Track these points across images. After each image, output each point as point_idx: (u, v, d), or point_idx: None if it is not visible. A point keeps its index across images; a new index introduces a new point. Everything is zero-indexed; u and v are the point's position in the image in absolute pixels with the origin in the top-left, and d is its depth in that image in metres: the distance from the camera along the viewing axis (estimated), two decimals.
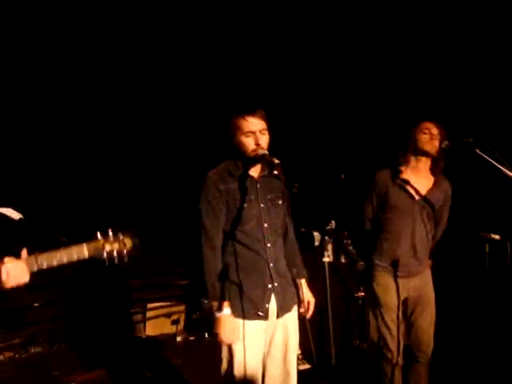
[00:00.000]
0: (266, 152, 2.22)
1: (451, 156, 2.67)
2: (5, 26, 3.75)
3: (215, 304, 2.22)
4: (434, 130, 2.72)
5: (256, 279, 2.27)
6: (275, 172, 2.08)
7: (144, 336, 4.61)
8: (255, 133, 2.22)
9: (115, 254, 1.78)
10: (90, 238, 1.79)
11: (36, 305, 4.26)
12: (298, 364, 3.69)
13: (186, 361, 4.03)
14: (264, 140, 2.24)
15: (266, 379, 2.38)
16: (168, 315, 4.71)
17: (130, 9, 4.03)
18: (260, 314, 2.26)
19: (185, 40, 4.35)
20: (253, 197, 2.28)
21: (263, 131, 2.24)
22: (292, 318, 2.38)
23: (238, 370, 2.26)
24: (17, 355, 4.11)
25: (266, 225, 2.28)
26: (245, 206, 2.25)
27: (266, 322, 2.29)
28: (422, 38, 4.22)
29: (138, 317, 4.71)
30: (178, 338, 4.56)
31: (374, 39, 4.41)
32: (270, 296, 2.28)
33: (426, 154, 2.75)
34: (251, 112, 2.23)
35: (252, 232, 2.26)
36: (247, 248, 2.27)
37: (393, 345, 2.80)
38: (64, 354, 4.09)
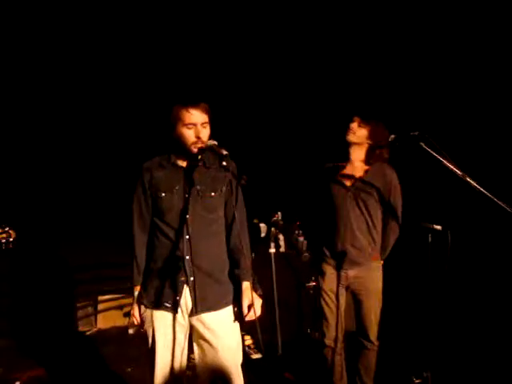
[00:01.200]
0: (215, 142, 2.21)
1: (397, 148, 2.75)
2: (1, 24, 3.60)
3: (134, 288, 2.34)
4: (353, 123, 2.92)
5: (169, 270, 2.25)
6: (224, 163, 2.07)
7: (95, 329, 4.53)
8: (196, 125, 2.20)
9: (3, 241, 2.15)
10: None
11: None
12: (250, 353, 3.73)
13: (139, 352, 3.99)
14: (205, 133, 2.22)
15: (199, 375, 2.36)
16: (120, 307, 4.64)
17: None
18: (167, 304, 2.26)
19: (128, 32, 4.27)
20: (178, 186, 2.26)
21: (205, 124, 2.23)
22: (219, 318, 2.29)
23: (150, 359, 2.30)
24: None
25: (187, 216, 2.24)
26: (163, 195, 2.25)
27: (180, 315, 2.27)
28: (363, 31, 4.30)
29: (89, 310, 4.63)
30: (130, 331, 4.50)
31: (321, 37, 4.46)
32: (181, 289, 2.25)
33: (348, 143, 2.92)
34: (195, 104, 2.21)
35: (172, 222, 2.25)
36: (165, 237, 2.26)
37: (330, 332, 2.94)
38: (8, 351, 3.96)
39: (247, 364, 2.48)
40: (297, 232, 3.70)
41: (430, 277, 2.64)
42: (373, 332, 2.94)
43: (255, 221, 2.34)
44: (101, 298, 4.64)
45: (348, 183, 2.91)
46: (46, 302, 4.44)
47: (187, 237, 2.24)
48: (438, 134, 2.48)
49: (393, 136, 2.73)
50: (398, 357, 3.54)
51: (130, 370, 3.68)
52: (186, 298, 2.25)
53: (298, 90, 5.11)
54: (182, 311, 2.27)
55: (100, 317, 4.59)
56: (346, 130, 2.94)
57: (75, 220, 4.72)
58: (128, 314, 4.63)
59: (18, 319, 4.30)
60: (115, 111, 4.95)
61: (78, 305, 4.59)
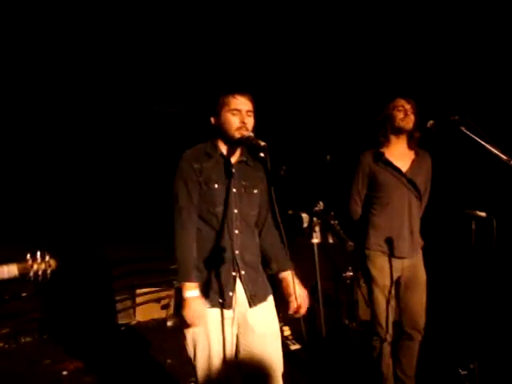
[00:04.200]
0: (252, 134, 2.19)
1: (436, 134, 2.68)
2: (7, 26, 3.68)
3: (186, 285, 2.12)
4: (407, 105, 2.77)
5: (220, 265, 2.19)
6: (261, 154, 2.04)
7: (135, 322, 4.61)
8: (241, 111, 2.20)
9: (40, 273, 2.03)
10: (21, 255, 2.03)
11: (24, 294, 4.24)
12: (289, 344, 3.73)
13: (178, 345, 4.03)
14: (249, 121, 2.22)
15: (246, 370, 2.31)
16: (157, 300, 4.71)
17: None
18: (221, 301, 2.18)
19: (167, 26, 4.28)
20: (226, 180, 2.23)
21: (249, 113, 2.23)
22: (266, 308, 2.29)
23: (202, 358, 2.21)
24: (7, 345, 4.10)
25: (235, 210, 2.22)
26: (216, 186, 2.20)
27: (231, 311, 2.20)
28: (401, 15, 4.20)
29: (128, 303, 4.71)
30: (169, 323, 4.57)
31: (353, 20, 4.38)
32: (234, 284, 2.21)
33: (402, 131, 2.79)
34: (241, 91, 2.23)
35: (222, 215, 2.20)
36: (214, 232, 2.20)
37: (383, 321, 2.84)
38: (54, 343, 4.08)
39: (285, 354, 2.46)
40: (332, 222, 3.67)
41: (474, 265, 2.58)
42: (422, 321, 2.87)
43: (290, 212, 2.32)
44: (139, 291, 4.72)
45: (402, 169, 2.81)
46: (88, 296, 4.54)
47: (237, 231, 2.22)
48: (479, 117, 2.41)
49: (432, 122, 2.66)
50: (442, 348, 3.47)
51: (169, 361, 3.72)
52: (238, 293, 2.22)
53: (335, 76, 5.04)
54: (233, 306, 2.24)
55: (139, 310, 4.67)
56: (386, 115, 2.80)
57: (112, 215, 4.80)
58: (166, 307, 4.70)
59: (63, 313, 4.42)
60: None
61: (117, 298, 4.67)
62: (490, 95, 3.87)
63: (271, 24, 4.47)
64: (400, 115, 2.77)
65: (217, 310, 2.20)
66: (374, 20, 4.32)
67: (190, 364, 3.50)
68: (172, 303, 4.77)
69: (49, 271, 2.06)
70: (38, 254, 2.05)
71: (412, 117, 2.76)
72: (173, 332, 4.40)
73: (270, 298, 2.34)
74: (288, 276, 2.29)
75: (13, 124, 4.27)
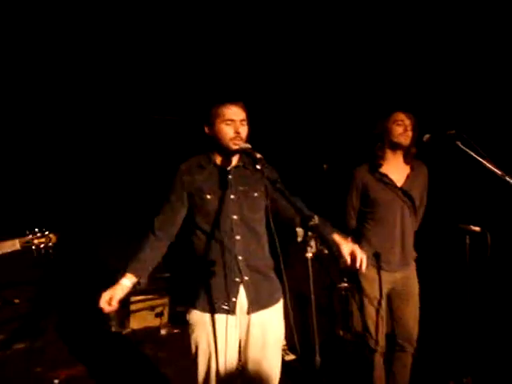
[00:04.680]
0: (249, 145, 2.21)
1: (432, 148, 2.69)
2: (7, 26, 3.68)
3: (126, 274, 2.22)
4: (407, 121, 2.76)
5: (222, 272, 2.22)
6: (258, 167, 2.06)
7: (128, 329, 4.59)
8: (235, 121, 2.22)
9: (42, 246, 2.19)
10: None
11: (17, 301, 4.22)
12: (283, 355, 3.72)
13: (171, 354, 4.03)
14: (243, 130, 2.23)
15: (245, 376, 2.33)
16: (152, 308, 4.70)
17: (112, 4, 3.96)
18: (225, 307, 2.22)
19: (162, 32, 4.30)
20: (222, 188, 2.25)
21: (243, 122, 2.25)
22: (271, 315, 2.30)
23: (202, 362, 2.26)
24: (0, 352, 4.07)
25: (235, 217, 2.24)
26: (208, 197, 2.23)
27: (235, 317, 2.24)
28: (398, 29, 4.22)
29: (122, 311, 4.69)
30: (162, 331, 4.55)
31: (352, 30, 4.41)
32: (237, 290, 2.23)
33: (400, 146, 2.78)
34: (233, 101, 2.24)
35: (220, 224, 2.23)
36: (215, 240, 2.23)
37: (373, 332, 2.85)
38: (47, 350, 4.05)
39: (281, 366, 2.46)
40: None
41: (468, 279, 2.58)
42: (414, 333, 2.88)
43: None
44: (133, 298, 4.70)
45: (396, 184, 2.82)
46: (81, 302, 4.52)
47: (238, 237, 2.23)
48: (474, 131, 2.42)
49: (427, 136, 2.66)
50: (436, 361, 3.47)
51: (163, 370, 3.71)
52: (241, 298, 2.24)
53: (333, 85, 5.06)
54: (237, 311, 2.26)
55: (133, 317, 4.65)
56: (384, 128, 2.79)
57: (106, 221, 4.79)
58: (160, 315, 4.69)
59: (55, 320, 4.40)
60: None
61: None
62: (486, 109, 3.89)
63: (268, 32, 4.49)
64: (399, 130, 2.76)
65: (220, 316, 2.24)
66: (372, 31, 4.34)
67: (183, 373, 3.53)
68: (166, 312, 4.78)
69: (50, 244, 2.20)
70: (37, 229, 2.22)
71: (410, 133, 2.75)
72: (166, 341, 4.40)
73: (277, 306, 2.33)
74: (335, 237, 2.13)
75: (23, 131, 4.32)
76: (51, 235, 2.20)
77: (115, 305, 2.17)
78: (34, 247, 2.17)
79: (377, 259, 2.81)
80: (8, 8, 3.61)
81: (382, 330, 2.87)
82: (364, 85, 4.86)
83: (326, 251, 3.79)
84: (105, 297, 2.17)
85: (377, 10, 4.13)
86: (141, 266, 2.26)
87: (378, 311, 2.83)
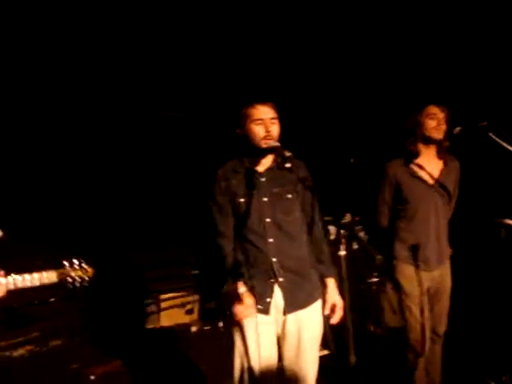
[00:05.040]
0: (278, 144, 2.21)
1: (463, 141, 2.63)
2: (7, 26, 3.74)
3: (235, 285, 2.25)
4: (440, 115, 2.69)
5: (258, 273, 2.26)
6: (287, 165, 2.06)
7: (158, 327, 4.65)
8: (265, 121, 2.22)
9: (78, 279, 2.12)
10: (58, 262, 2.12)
11: (52, 300, 4.31)
12: None
13: (201, 351, 4.07)
14: (274, 129, 2.25)
15: (283, 374, 2.37)
16: (182, 305, 4.74)
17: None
18: (260, 307, 2.25)
19: (194, 32, 4.30)
20: (255, 191, 2.27)
21: (273, 120, 2.25)
22: (308, 315, 2.32)
23: (238, 359, 2.30)
24: (37, 349, 4.18)
25: (268, 219, 2.26)
26: (242, 200, 2.27)
27: (270, 316, 2.27)
28: (429, 21, 4.14)
29: (153, 308, 4.75)
30: (193, 328, 4.59)
31: (380, 23, 4.34)
32: (271, 290, 2.26)
33: (433, 141, 2.71)
34: (261, 101, 2.26)
35: (254, 226, 2.27)
36: (250, 243, 2.28)
37: (418, 334, 2.78)
38: (82, 347, 4.14)
39: None
40: (356, 227, 3.64)
41: (503, 274, 2.53)
42: (443, 327, 2.86)
43: (327, 218, 2.34)
44: (163, 296, 4.75)
45: (430, 180, 2.76)
46: (115, 301, 4.60)
47: (271, 240, 2.26)
48: (507, 122, 2.36)
49: (458, 128, 2.61)
50: (473, 359, 3.39)
51: (198, 367, 3.75)
52: (276, 299, 2.27)
53: (361, 78, 4.99)
54: (273, 312, 2.29)
55: (163, 315, 4.71)
56: (417, 122, 2.73)
57: (138, 220, 4.85)
58: (190, 312, 4.74)
59: (91, 318, 4.48)
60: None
61: (143, 303, 4.71)
62: None
63: (293, 29, 4.46)
64: (432, 124, 2.70)
65: (256, 316, 2.26)
66: (403, 23, 4.26)
67: (216, 370, 3.57)
68: (196, 309, 4.83)
69: (86, 277, 2.15)
70: (75, 261, 2.15)
71: (444, 126, 2.68)
72: (197, 338, 4.45)
73: (315, 305, 2.33)
74: (329, 283, 2.36)
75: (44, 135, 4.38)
76: (88, 268, 2.17)
77: (253, 310, 2.25)
78: (70, 280, 2.11)
79: (415, 258, 2.75)
80: (11, 8, 3.65)
81: (427, 330, 2.79)
82: (391, 77, 4.79)
83: (356, 246, 3.75)
84: (246, 307, 2.24)
85: (409, 3, 4.06)
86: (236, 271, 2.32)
87: (422, 310, 2.76)
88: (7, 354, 4.07)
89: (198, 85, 4.81)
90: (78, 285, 2.13)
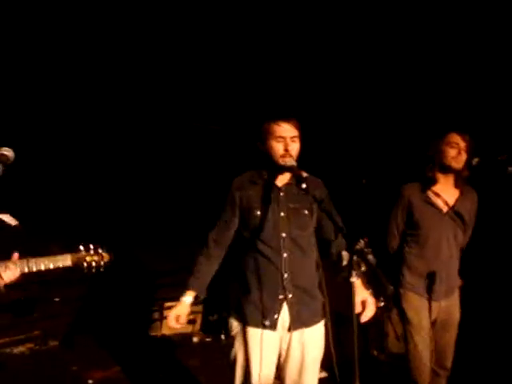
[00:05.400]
0: (295, 164, 2.20)
1: (481, 173, 2.60)
2: (7, 26, 3.79)
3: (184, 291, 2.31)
4: (462, 144, 2.61)
5: (268, 288, 2.24)
6: (303, 186, 2.05)
7: (160, 335, 4.64)
8: (286, 138, 2.21)
9: (94, 264, 2.11)
10: (74, 247, 2.13)
11: (57, 299, 4.33)
12: None
13: (202, 362, 4.04)
14: (294, 147, 2.23)
15: None
16: None
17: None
18: (266, 323, 2.22)
19: (216, 44, 4.35)
20: (272, 205, 2.26)
21: (294, 139, 2.24)
22: (312, 335, 2.29)
23: (239, 375, 2.28)
24: (37, 347, 4.19)
25: (283, 234, 2.24)
26: (258, 213, 2.25)
27: (276, 333, 2.24)
28: (451, 46, 4.13)
29: (155, 315, 4.75)
30: (194, 339, 4.58)
31: (399, 47, 4.34)
32: (280, 307, 2.24)
33: (452, 170, 2.68)
34: (285, 118, 2.24)
35: (268, 240, 2.24)
36: (262, 256, 2.25)
37: (422, 368, 2.70)
38: (83, 349, 4.14)
39: None
40: (365, 250, 3.59)
41: None
42: (449, 360, 2.77)
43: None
44: (167, 304, 4.74)
45: (444, 207, 2.70)
46: (118, 305, 4.60)
47: (285, 255, 2.24)
48: None
49: (476, 159, 2.58)
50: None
51: (196, 377, 3.73)
52: (284, 315, 2.25)
53: (376, 100, 5.00)
54: (279, 328, 2.26)
55: (165, 322, 4.69)
56: (435, 149, 2.68)
57: (146, 227, 4.87)
58: (192, 322, 4.71)
59: (93, 320, 4.48)
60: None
61: (146, 310, 4.71)
62: None
63: (315, 50, 4.49)
64: (452, 153, 2.62)
65: (261, 331, 2.23)
66: (426, 48, 4.25)
67: (214, 382, 3.54)
68: (199, 319, 4.81)
69: (102, 263, 2.14)
70: (91, 245, 2.14)
71: (464, 156, 2.60)
72: (198, 348, 4.43)
73: (319, 325, 2.32)
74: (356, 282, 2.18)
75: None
76: (104, 254, 2.14)
77: (184, 322, 2.31)
78: (85, 264, 2.10)
79: (423, 287, 2.69)
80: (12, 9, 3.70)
81: (431, 363, 2.71)
82: (409, 101, 4.78)
83: (363, 268, 3.70)
84: (172, 316, 2.30)
85: (434, 29, 4.06)
86: (199, 282, 2.36)
87: (427, 343, 2.69)
88: (7, 350, 4.10)
89: (225, 97, 4.87)
90: (93, 270, 2.11)
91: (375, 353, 4.02)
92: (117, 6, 3.87)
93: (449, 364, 2.78)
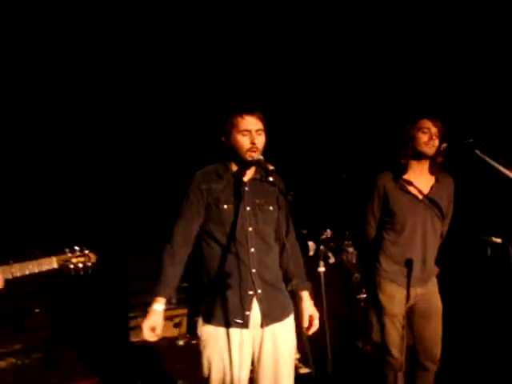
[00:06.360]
0: (262, 157, 2.19)
1: (449, 156, 2.62)
2: (8, 26, 3.76)
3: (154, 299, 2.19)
4: (433, 129, 2.62)
5: (236, 284, 2.19)
6: (270, 179, 2.04)
7: (142, 340, 4.57)
8: (251, 132, 2.19)
9: (81, 266, 2.05)
10: (60, 250, 2.08)
11: (37, 311, 4.26)
12: (297, 368, 3.66)
13: (188, 365, 4.00)
14: (260, 140, 2.21)
15: None
16: (170, 318, 4.68)
17: (125, 10, 4.03)
18: (238, 321, 2.18)
19: (180, 40, 4.33)
20: (238, 199, 2.22)
21: (259, 132, 2.22)
22: (283, 328, 2.28)
23: (216, 381, 2.23)
24: (18, 361, 4.11)
25: (250, 229, 2.21)
26: (225, 207, 2.21)
27: (249, 330, 2.20)
28: (419, 34, 4.16)
29: (139, 320, 4.69)
30: (180, 342, 4.53)
31: (372, 37, 4.36)
32: (250, 303, 2.20)
33: (425, 156, 2.68)
34: (249, 111, 2.21)
35: (234, 235, 2.20)
36: (229, 252, 2.20)
37: (396, 351, 2.73)
38: (64, 361, 4.07)
39: (295, 378, 2.41)
40: (346, 242, 3.59)
41: (490, 292, 2.50)
42: (437, 352, 2.77)
43: (303, 231, 2.31)
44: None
45: (419, 195, 2.71)
46: (100, 312, 4.54)
47: (252, 250, 2.21)
48: (494, 140, 2.35)
49: (445, 145, 2.60)
50: (458, 380, 3.34)
51: (181, 382, 3.69)
52: (254, 312, 2.21)
53: (352, 92, 5.01)
54: (250, 326, 2.22)
55: None
56: (409, 136, 2.67)
57: (129, 230, 4.84)
58: (178, 325, 4.67)
59: (74, 330, 4.42)
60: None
61: (130, 315, 4.66)
62: (506, 117, 3.80)
63: (286, 41, 4.49)
64: (424, 138, 2.63)
65: (234, 330, 2.19)
66: (397, 37, 4.28)
67: None
68: (184, 322, 4.76)
69: (89, 264, 2.08)
70: (76, 247, 2.09)
71: (437, 141, 2.61)
72: (184, 352, 4.38)
73: (289, 319, 2.31)
74: (304, 295, 2.33)
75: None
76: (91, 254, 2.08)
77: (159, 333, 2.18)
78: (72, 266, 2.04)
79: (398, 274, 2.71)
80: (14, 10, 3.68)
81: (403, 349, 2.74)
82: (382, 92, 4.81)
83: (333, 260, 3.71)
84: (147, 328, 2.16)
85: (401, 16, 4.08)
86: (167, 286, 2.23)
87: (398, 329, 2.71)
88: None
89: (206, 97, 4.85)
90: (81, 272, 2.06)
91: (360, 344, 4.03)
92: (102, 15, 3.88)
93: (436, 356, 2.77)
